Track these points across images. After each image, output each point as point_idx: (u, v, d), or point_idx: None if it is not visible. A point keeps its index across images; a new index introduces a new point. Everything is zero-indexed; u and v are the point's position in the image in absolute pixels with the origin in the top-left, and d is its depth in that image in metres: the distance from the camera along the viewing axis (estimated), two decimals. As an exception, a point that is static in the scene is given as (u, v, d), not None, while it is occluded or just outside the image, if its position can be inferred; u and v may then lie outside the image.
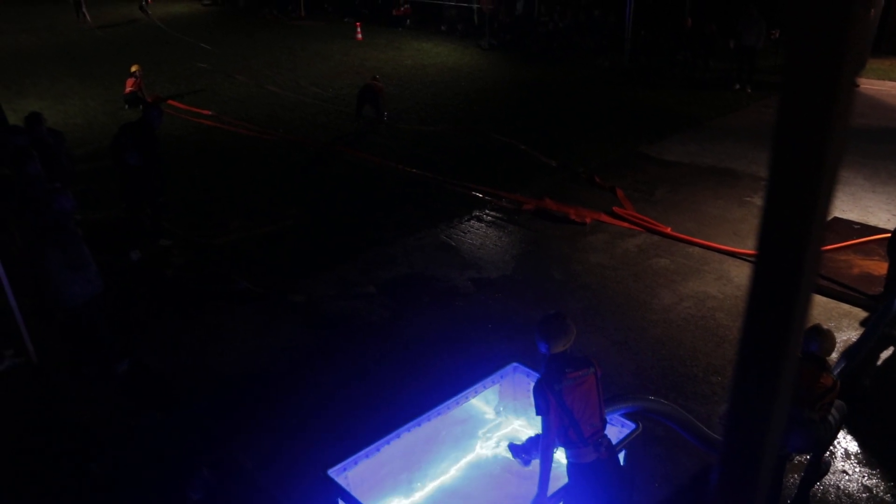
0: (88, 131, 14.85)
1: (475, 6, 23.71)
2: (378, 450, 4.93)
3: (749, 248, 8.93)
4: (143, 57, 20.51)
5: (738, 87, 16.53)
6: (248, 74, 19.32)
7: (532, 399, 4.25)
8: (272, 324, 7.81)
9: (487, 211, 10.48)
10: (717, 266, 8.74)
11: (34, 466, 5.89)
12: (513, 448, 4.89)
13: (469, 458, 5.57)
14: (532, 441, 4.78)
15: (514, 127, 14.36)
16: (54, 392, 6.88)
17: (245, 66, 20.37)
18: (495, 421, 5.84)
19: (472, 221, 10.18)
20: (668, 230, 9.58)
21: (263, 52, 22.63)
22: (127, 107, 15.90)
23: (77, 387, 6.92)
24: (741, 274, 8.52)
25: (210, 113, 15.66)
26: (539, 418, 4.27)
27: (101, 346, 7.05)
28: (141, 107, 14.95)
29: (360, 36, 23.88)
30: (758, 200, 10.51)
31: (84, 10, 28.34)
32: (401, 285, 8.53)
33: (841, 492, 5.39)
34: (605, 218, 10.03)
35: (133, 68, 16.01)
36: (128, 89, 15.96)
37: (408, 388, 6.47)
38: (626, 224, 9.83)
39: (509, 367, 5.78)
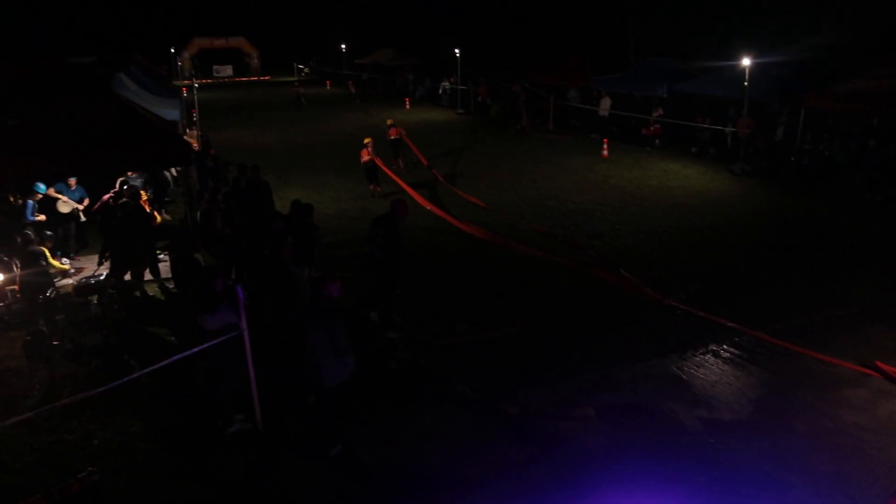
0: (337, 221, 16.44)
1: (730, 129, 23.26)
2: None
3: None
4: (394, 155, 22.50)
5: None
6: (489, 182, 20.35)
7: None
8: (483, 433, 7.87)
9: (725, 346, 9.91)
10: None
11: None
12: None
13: None
14: None
15: (764, 259, 13.63)
16: (274, 463, 7.43)
17: (488, 174, 21.52)
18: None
19: (708, 356, 9.66)
20: (949, 397, 8.38)
21: (508, 161, 23.80)
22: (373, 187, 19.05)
23: (294, 461, 7.42)
24: None
25: (450, 217, 16.63)
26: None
27: (326, 427, 7.55)
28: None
29: (605, 153, 24.31)
30: None
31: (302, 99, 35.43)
32: (622, 413, 8.24)
33: None
34: (866, 370, 9.03)
35: (366, 140, 18.97)
36: (364, 160, 18.91)
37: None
38: None
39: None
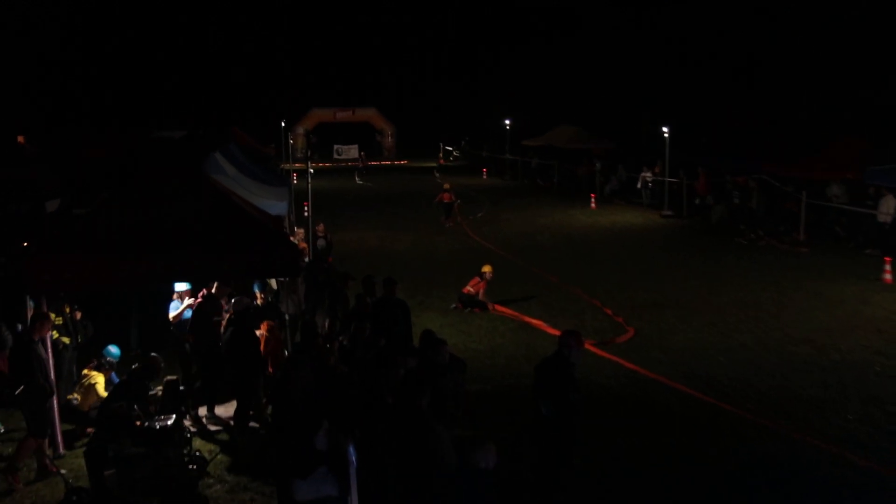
0: (490, 361, 16.40)
1: None
2: None
3: None
4: (572, 275, 22.44)
5: None
6: (709, 315, 19.80)
7: None
8: None
9: None
10: None
11: None
12: None
13: None
14: None
15: None
16: None
17: (705, 303, 20.99)
18: None
19: None
20: None
21: (735, 285, 23.20)
22: (455, 306, 20.76)
23: None
24: None
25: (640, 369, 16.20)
26: None
27: None
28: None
29: (888, 276, 23.31)
30: None
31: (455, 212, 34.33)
32: None
33: None
34: None
35: (485, 268, 20.73)
36: (466, 289, 20.78)
37: None
38: None
39: None
